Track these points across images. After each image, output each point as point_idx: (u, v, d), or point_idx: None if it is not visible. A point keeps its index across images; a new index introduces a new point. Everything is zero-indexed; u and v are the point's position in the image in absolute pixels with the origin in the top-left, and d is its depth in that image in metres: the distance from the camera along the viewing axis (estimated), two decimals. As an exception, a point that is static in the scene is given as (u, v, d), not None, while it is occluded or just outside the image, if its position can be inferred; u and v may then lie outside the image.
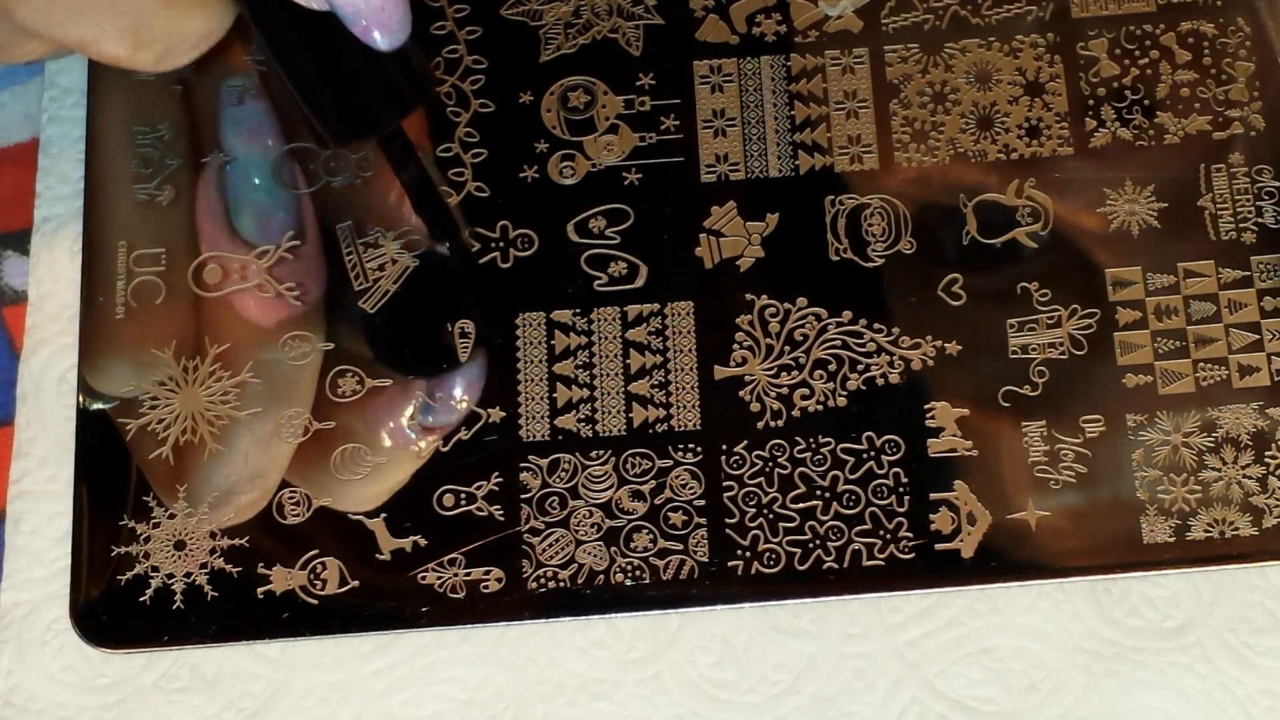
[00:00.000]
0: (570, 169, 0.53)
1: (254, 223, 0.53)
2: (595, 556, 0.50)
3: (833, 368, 0.51)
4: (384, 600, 0.49)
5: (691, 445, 0.50)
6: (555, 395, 0.51)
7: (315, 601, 0.49)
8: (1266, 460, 0.50)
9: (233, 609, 0.49)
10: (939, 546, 0.49)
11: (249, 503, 0.50)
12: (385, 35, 0.46)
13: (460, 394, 0.51)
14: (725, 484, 0.50)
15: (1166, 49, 0.53)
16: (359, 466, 0.50)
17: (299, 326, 0.52)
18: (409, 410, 0.51)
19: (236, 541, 0.50)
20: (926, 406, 0.50)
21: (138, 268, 0.52)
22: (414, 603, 0.49)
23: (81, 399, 0.51)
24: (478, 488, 0.50)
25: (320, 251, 0.52)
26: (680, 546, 0.50)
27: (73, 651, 0.50)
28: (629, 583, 0.49)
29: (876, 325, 0.51)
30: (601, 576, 0.49)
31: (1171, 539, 0.49)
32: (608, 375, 0.51)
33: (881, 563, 0.49)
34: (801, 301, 0.52)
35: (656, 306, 0.52)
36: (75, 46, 0.46)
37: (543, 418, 0.51)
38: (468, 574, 0.49)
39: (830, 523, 0.50)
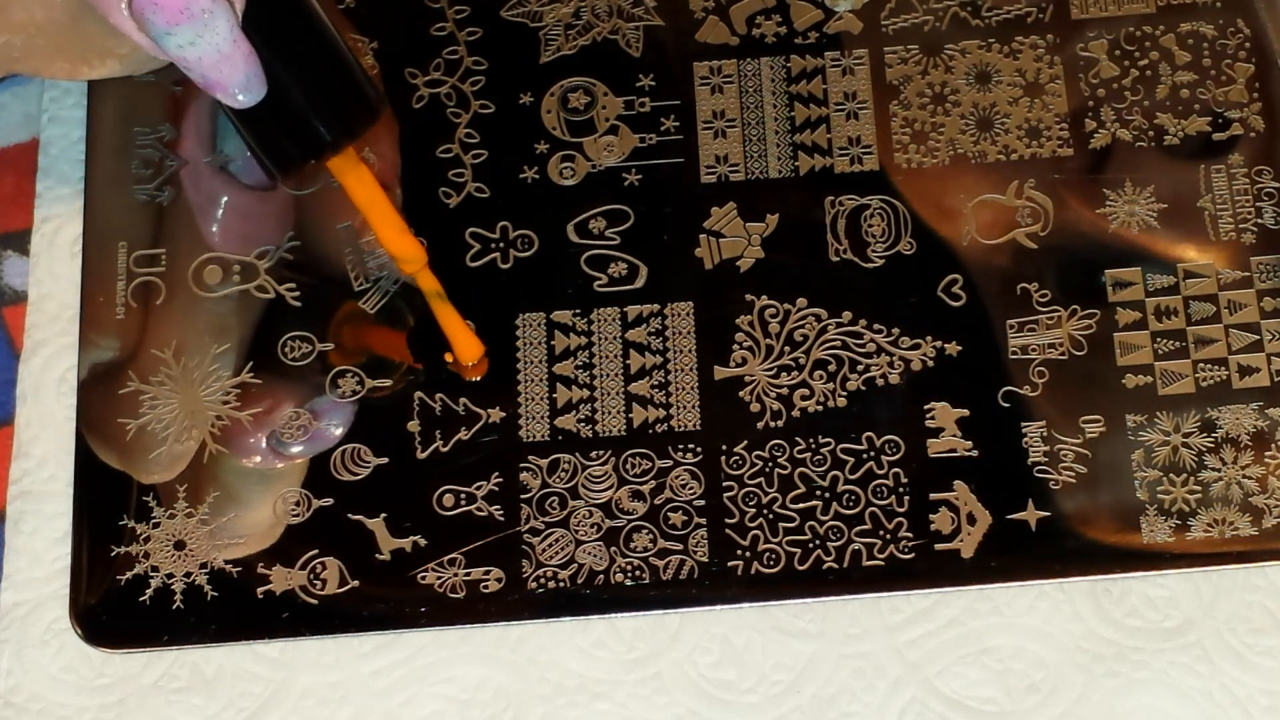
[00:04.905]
0: (570, 170, 0.53)
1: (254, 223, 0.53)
2: (595, 556, 0.50)
3: (832, 368, 0.51)
4: (384, 600, 0.49)
5: (691, 445, 0.50)
6: (555, 395, 0.51)
7: (315, 601, 0.49)
8: (1266, 460, 0.50)
9: (233, 609, 0.49)
10: (939, 546, 0.49)
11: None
12: (227, 95, 0.42)
13: (337, 429, 0.51)
14: (725, 484, 0.50)
15: (1166, 50, 0.53)
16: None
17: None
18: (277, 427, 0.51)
19: (236, 541, 0.50)
20: (926, 406, 0.50)
21: (138, 268, 0.52)
22: (414, 603, 0.49)
23: (81, 398, 0.51)
24: (478, 488, 0.50)
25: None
26: (680, 546, 0.50)
27: (73, 651, 0.50)
28: (629, 583, 0.49)
29: (876, 325, 0.51)
30: (601, 576, 0.49)
31: (1171, 539, 0.49)
32: (608, 376, 0.51)
33: (881, 563, 0.49)
34: (801, 302, 0.52)
35: (656, 307, 0.52)
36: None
37: (543, 418, 0.51)
38: (468, 574, 0.49)
39: (830, 523, 0.50)
